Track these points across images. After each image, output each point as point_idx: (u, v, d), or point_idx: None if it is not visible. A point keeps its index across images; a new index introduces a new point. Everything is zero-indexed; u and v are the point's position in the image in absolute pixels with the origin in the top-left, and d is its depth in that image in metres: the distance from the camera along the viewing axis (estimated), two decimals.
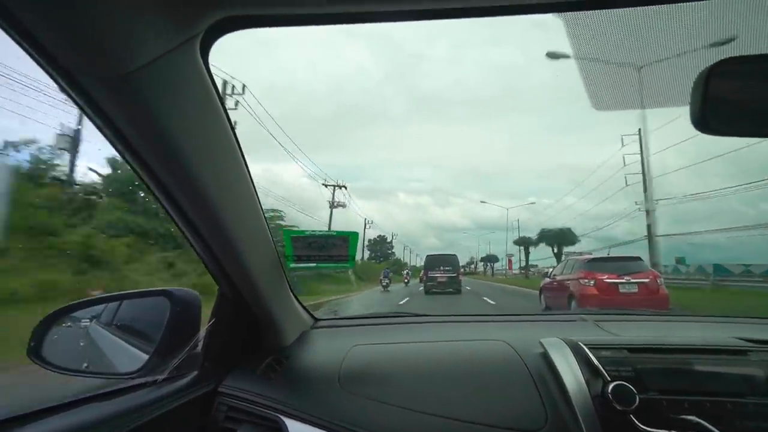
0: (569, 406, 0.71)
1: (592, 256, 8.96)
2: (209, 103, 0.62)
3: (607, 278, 7.19)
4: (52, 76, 0.48)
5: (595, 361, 0.75)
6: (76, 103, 0.51)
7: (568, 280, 8.08)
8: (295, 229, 0.91)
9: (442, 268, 16.40)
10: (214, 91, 0.61)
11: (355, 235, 0.93)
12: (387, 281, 17.96)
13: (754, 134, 0.48)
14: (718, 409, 0.66)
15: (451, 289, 15.96)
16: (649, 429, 0.65)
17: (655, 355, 0.77)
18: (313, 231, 0.92)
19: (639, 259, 8.12)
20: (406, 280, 22.81)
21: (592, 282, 7.28)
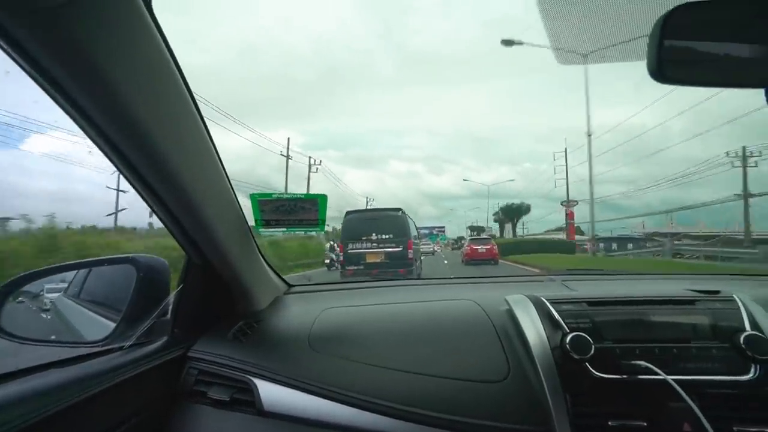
0: (530, 358, 0.75)
1: (471, 237, 22.16)
2: (153, 45, 0.56)
3: (474, 246, 17.44)
4: None
5: (556, 315, 0.78)
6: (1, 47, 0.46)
7: (464, 247, 19.58)
8: (262, 192, 0.88)
9: (375, 236, 8.66)
10: (157, 33, 0.56)
11: (324, 198, 0.91)
12: None
13: (710, 83, 0.49)
14: (665, 354, 0.71)
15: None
16: (602, 375, 0.69)
17: (612, 308, 0.81)
18: (280, 194, 0.90)
19: (489, 237, 21.22)
20: (327, 261, 12.61)
21: (468, 248, 17.55)
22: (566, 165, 30.02)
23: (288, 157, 25.56)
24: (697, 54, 0.49)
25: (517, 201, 42.21)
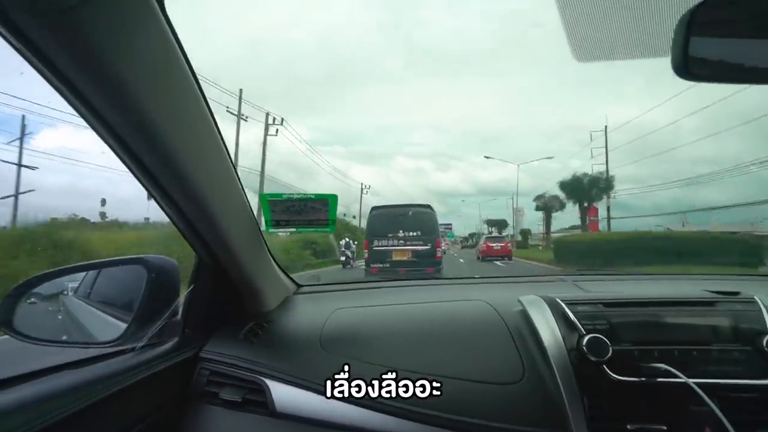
0: (545, 359, 0.74)
1: (487, 235, 25.05)
2: (166, 46, 0.56)
3: (490, 243, 18.83)
4: None
5: (572, 316, 0.77)
6: (14, 46, 0.45)
7: (479, 244, 20.39)
8: (272, 192, 0.88)
9: (402, 233, 8.17)
10: (170, 34, 0.56)
11: (335, 198, 0.91)
12: None
13: (736, 80, 0.48)
14: (685, 357, 0.69)
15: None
16: (620, 378, 0.68)
17: (629, 309, 0.79)
18: (290, 194, 0.89)
19: (504, 236, 25.18)
20: (343, 258, 12.26)
21: (484, 246, 18.76)
22: (606, 147, 24.40)
23: (240, 116, 18.72)
24: (723, 50, 0.48)
25: (590, 173, 25.61)
